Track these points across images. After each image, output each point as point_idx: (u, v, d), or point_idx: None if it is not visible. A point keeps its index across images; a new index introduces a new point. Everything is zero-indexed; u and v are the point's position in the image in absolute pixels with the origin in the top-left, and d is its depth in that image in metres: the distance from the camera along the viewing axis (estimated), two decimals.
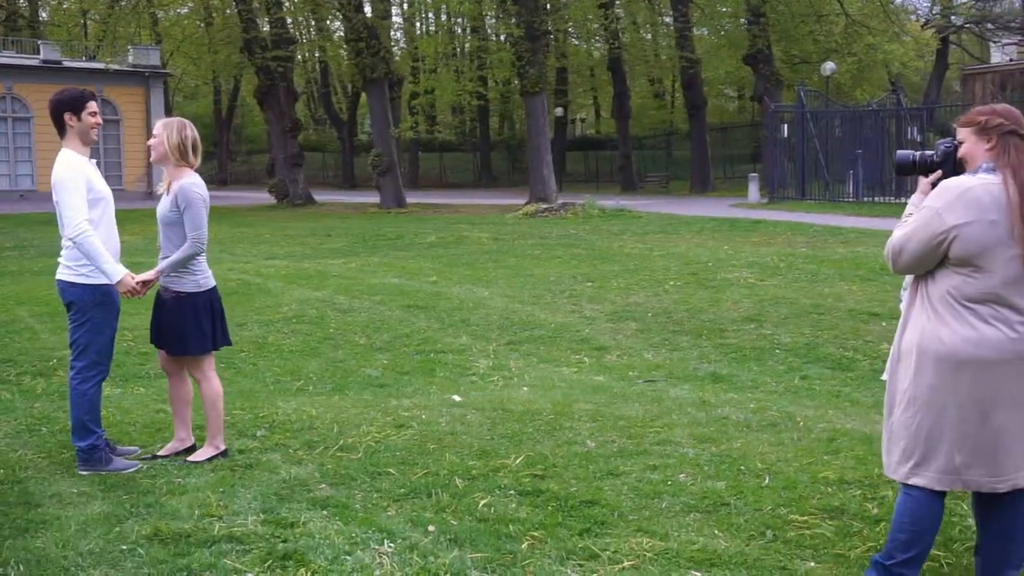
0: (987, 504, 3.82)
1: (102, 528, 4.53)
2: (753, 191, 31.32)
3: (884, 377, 3.94)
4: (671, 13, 41.72)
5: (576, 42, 52.56)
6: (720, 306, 11.44)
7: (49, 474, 5.42)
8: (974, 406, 3.62)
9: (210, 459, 5.58)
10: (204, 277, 5.66)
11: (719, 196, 35.88)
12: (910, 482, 3.75)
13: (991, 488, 3.68)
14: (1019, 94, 37.86)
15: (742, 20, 40.40)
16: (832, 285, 12.58)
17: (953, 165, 3.82)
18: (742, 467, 5.36)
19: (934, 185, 3.81)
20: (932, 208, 3.61)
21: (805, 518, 4.60)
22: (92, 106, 5.53)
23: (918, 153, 3.96)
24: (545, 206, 27.06)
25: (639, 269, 14.62)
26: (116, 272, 5.36)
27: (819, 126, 30.08)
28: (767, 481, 5.12)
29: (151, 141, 5.66)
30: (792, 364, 8.95)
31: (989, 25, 43.95)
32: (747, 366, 8.89)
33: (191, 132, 5.63)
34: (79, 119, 5.48)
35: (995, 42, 48.49)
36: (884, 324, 10.24)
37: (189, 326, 5.58)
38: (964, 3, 45.95)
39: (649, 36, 55.18)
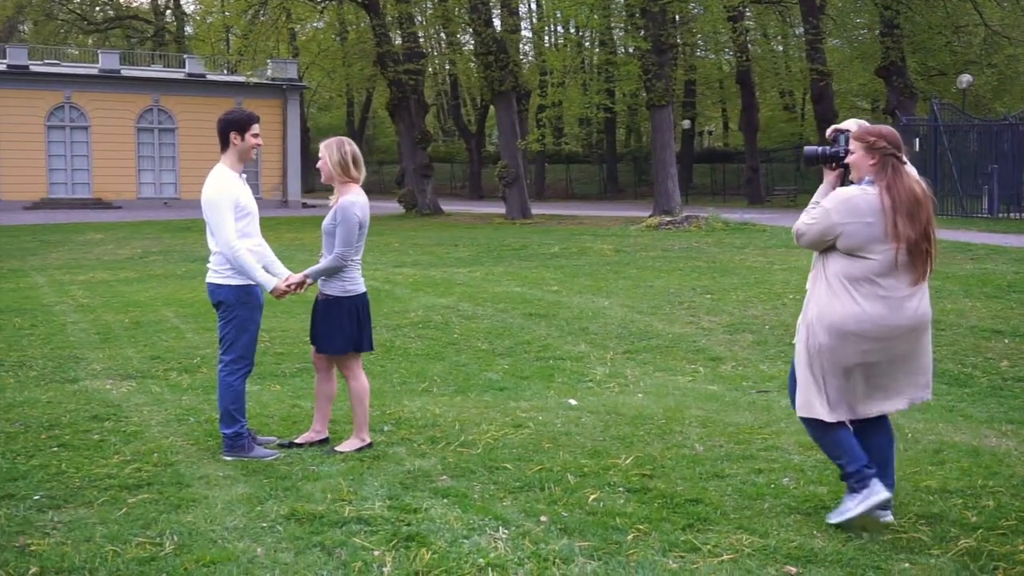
0: (859, 432, 4.80)
1: (245, 507, 4.99)
2: None
3: (794, 341, 4.88)
4: (802, 24, 41.13)
5: (704, 55, 52.30)
6: None
7: (197, 459, 5.94)
8: (855, 366, 4.62)
9: (358, 450, 6.00)
10: (352, 284, 6.06)
11: None
12: (806, 415, 4.72)
13: (864, 414, 4.73)
14: None
15: (876, 31, 39.61)
16: (956, 301, 12.46)
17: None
18: None
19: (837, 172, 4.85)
20: (825, 209, 4.63)
21: (903, 522, 4.77)
22: (256, 128, 6.02)
23: (823, 148, 4.89)
24: (669, 219, 27.07)
25: (759, 282, 14.69)
26: (268, 281, 5.92)
27: (953, 140, 29.33)
28: None
29: (319, 164, 6.09)
30: None
31: None
32: None
33: (350, 147, 6.03)
34: (243, 139, 5.96)
35: None
36: (1007, 341, 10.17)
37: (333, 326, 6.03)
38: None
39: (780, 48, 54.56)
